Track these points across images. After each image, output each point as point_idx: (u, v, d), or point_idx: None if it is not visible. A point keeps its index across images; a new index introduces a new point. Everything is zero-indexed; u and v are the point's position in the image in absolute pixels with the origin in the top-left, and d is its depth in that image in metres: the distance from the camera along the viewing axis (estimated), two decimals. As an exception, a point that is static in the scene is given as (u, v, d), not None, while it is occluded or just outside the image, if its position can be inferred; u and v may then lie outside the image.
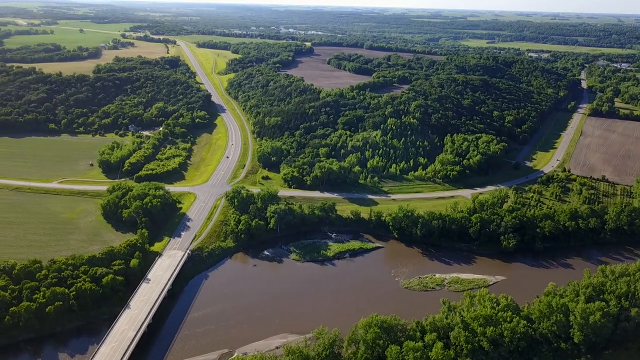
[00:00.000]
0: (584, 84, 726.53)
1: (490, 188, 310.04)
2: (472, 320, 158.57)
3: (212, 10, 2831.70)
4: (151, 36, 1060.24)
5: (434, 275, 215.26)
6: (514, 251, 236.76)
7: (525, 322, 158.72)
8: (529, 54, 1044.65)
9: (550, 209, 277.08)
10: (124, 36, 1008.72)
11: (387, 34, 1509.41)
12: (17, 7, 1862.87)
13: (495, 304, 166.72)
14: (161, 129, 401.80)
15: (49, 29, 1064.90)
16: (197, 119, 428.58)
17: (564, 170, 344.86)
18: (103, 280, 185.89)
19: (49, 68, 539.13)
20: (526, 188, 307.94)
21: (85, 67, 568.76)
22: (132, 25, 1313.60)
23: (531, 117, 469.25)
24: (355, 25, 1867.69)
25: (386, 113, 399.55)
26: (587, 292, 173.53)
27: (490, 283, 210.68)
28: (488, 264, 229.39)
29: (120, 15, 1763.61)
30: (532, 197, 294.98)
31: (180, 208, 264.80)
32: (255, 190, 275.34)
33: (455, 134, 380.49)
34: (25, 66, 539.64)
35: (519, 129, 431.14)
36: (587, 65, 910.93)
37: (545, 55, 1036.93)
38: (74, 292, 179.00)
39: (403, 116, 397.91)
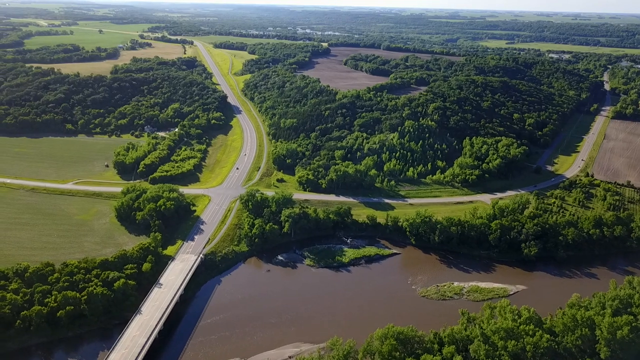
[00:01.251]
0: (606, 86, 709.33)
1: (510, 193, 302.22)
2: (492, 333, 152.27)
3: (229, 10, 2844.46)
4: (169, 37, 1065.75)
5: (452, 283, 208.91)
6: (535, 259, 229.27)
7: (548, 335, 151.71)
8: (550, 55, 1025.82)
9: (573, 215, 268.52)
10: (142, 37, 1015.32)
11: (404, 35, 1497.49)
12: (38, 8, 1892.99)
13: (516, 316, 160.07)
14: (177, 130, 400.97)
15: (69, 30, 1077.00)
16: (213, 120, 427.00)
17: (587, 175, 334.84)
18: (115, 284, 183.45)
19: (68, 69, 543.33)
20: (548, 193, 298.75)
21: (103, 68, 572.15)
22: (151, 26, 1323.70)
23: (552, 119, 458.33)
24: (372, 25, 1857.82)
25: (404, 115, 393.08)
26: (613, 305, 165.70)
27: (511, 293, 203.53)
28: (508, 273, 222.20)
29: (139, 16, 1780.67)
30: (554, 203, 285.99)
31: (194, 211, 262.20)
32: (269, 193, 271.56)
33: (474, 137, 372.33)
34: (45, 67, 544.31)
35: (540, 132, 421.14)
36: (610, 66, 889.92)
37: (567, 56, 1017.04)
38: (86, 297, 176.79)
39: (421, 118, 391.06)
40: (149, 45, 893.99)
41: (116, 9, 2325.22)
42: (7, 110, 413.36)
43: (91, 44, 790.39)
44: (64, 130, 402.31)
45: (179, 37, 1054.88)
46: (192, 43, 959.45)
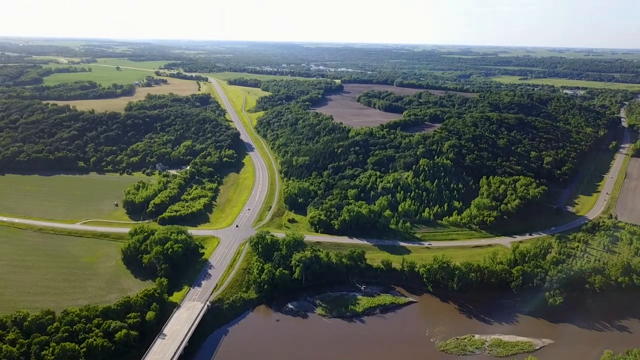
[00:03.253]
0: (624, 123, 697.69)
1: (531, 236, 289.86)
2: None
3: (245, 47, 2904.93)
4: (184, 73, 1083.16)
5: (473, 336, 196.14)
6: (561, 309, 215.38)
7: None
8: (564, 91, 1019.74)
9: (599, 261, 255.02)
10: (157, 73, 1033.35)
11: (417, 71, 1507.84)
12: (60, 46, 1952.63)
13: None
14: (188, 168, 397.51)
15: (87, 67, 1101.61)
16: (225, 158, 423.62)
17: (611, 216, 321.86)
18: (116, 335, 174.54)
19: (83, 105, 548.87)
20: (570, 236, 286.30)
21: (118, 105, 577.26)
22: (167, 63, 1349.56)
23: (571, 157, 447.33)
24: (385, 62, 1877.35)
25: (418, 153, 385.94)
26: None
27: (537, 348, 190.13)
28: (533, 324, 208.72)
29: (157, 53, 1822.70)
30: (578, 247, 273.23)
31: (203, 253, 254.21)
32: (280, 235, 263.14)
33: (491, 176, 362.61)
34: (61, 103, 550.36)
35: (558, 171, 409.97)
36: (626, 102, 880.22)
37: (581, 92, 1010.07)
38: (85, 349, 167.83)
39: (436, 156, 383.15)
40: (164, 82, 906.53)
41: (135, 46, 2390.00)
42: (22, 147, 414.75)
43: (108, 81, 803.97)
44: (76, 168, 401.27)
45: (194, 74, 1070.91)
46: (206, 79, 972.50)
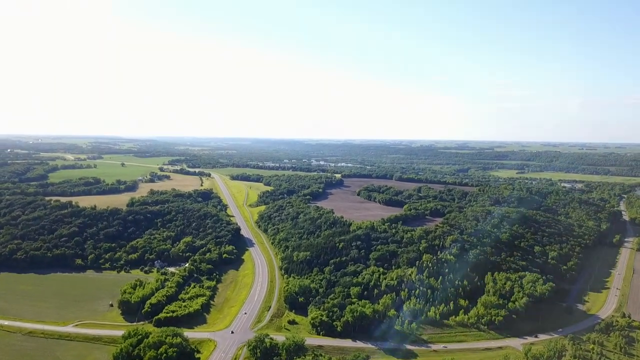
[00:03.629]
0: (625, 216, 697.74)
1: (542, 337, 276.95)
2: None
3: (248, 144, 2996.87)
4: (187, 169, 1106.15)
5: None
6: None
7: None
8: (562, 184, 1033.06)
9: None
10: (161, 169, 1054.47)
11: (415, 165, 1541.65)
12: (68, 143, 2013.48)
13: None
14: (187, 265, 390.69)
15: (93, 163, 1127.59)
16: (225, 254, 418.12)
17: (624, 315, 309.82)
18: None
19: (86, 201, 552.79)
20: (584, 337, 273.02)
21: (120, 200, 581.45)
22: (171, 159, 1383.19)
23: (575, 252, 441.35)
24: (383, 157, 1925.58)
25: (421, 248, 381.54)
26: None
27: None
28: None
29: (162, 150, 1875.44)
30: (593, 349, 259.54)
31: (198, 359, 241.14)
32: (280, 338, 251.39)
33: (496, 272, 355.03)
34: (64, 199, 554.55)
35: (564, 266, 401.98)
36: (624, 195, 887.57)
37: (579, 185, 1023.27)
38: None
39: (439, 252, 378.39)
40: (168, 177, 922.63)
41: (140, 143, 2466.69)
42: (20, 244, 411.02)
43: (112, 177, 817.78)
44: (73, 266, 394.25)
45: (197, 169, 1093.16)
46: (209, 175, 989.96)
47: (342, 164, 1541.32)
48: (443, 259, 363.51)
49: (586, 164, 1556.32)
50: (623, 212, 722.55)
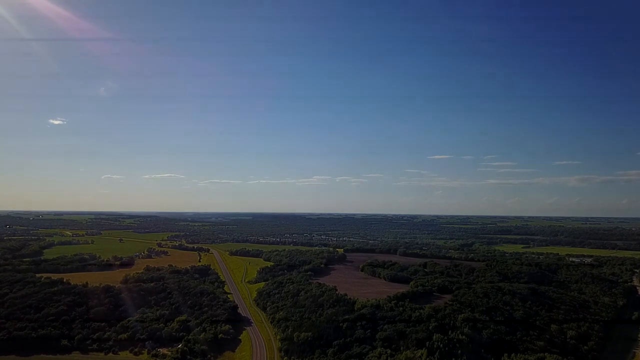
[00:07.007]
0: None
1: None
2: None
3: (249, 219, 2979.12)
4: (186, 245, 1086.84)
5: None
6: None
7: None
8: (571, 259, 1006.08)
9: None
10: (159, 245, 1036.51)
11: (419, 240, 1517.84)
12: (69, 219, 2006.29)
13: None
14: (180, 346, 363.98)
15: (90, 239, 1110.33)
16: (220, 335, 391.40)
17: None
18: None
19: (78, 278, 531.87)
20: None
21: (114, 277, 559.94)
22: (170, 235, 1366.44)
23: (595, 330, 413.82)
24: (386, 231, 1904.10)
25: (430, 328, 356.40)
26: None
27: None
28: None
29: (162, 226, 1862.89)
30: None
31: None
32: None
33: (513, 354, 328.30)
34: (55, 276, 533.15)
35: (585, 346, 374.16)
36: (636, 270, 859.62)
37: (589, 260, 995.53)
38: None
39: (450, 331, 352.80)
40: (165, 253, 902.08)
41: (141, 219, 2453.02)
42: (4, 324, 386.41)
43: (109, 253, 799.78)
44: (58, 347, 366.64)
45: (195, 245, 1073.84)
46: (208, 251, 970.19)
47: (344, 238, 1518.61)
48: (455, 339, 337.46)
49: (592, 238, 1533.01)
50: (638, 287, 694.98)
